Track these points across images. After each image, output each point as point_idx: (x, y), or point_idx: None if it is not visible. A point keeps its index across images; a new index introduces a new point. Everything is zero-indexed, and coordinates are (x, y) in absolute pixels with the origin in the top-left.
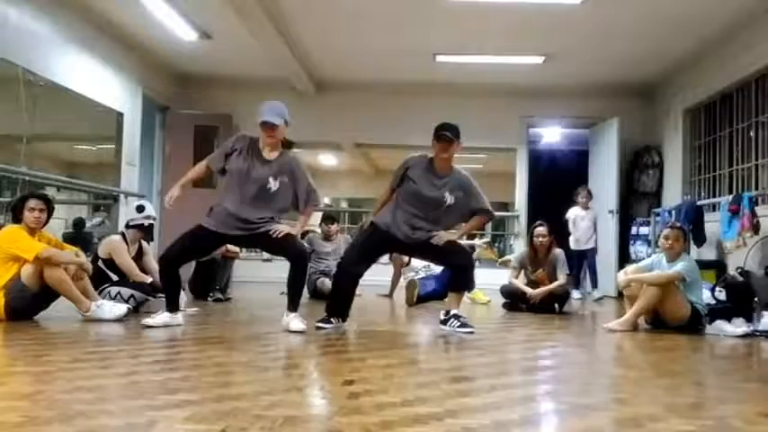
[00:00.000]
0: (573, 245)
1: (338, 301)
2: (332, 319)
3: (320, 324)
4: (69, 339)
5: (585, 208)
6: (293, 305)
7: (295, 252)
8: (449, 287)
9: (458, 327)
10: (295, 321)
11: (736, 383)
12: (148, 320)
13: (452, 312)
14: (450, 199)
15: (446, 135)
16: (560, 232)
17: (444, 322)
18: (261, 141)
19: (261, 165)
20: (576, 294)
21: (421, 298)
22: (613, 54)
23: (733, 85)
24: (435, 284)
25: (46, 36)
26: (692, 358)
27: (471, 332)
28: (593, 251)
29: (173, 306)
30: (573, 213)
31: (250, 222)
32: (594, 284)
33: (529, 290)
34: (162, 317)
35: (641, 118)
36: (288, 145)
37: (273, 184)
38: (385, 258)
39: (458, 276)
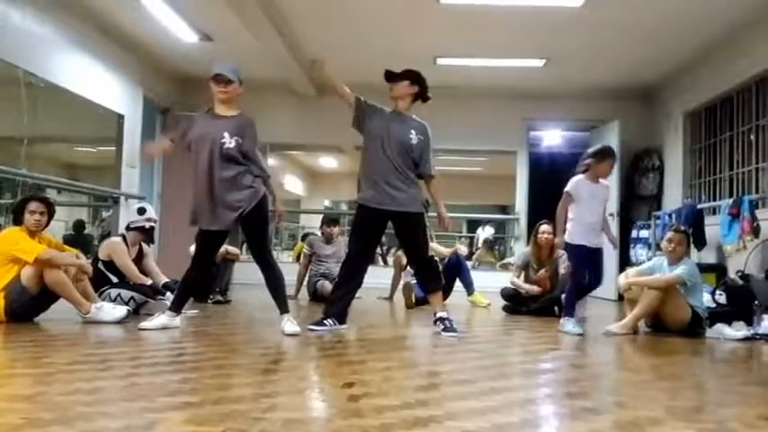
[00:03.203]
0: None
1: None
2: (326, 321)
3: (313, 327)
4: (69, 341)
5: (596, 180)
6: (283, 307)
7: (254, 255)
8: (425, 291)
9: (442, 330)
10: (288, 324)
11: (737, 387)
12: (145, 324)
13: (438, 315)
14: (415, 139)
15: (389, 74)
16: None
17: (434, 323)
18: (215, 101)
19: (215, 122)
20: (569, 326)
21: (419, 300)
22: (614, 57)
23: (733, 88)
24: (420, 284)
25: (47, 38)
26: (692, 361)
27: (455, 336)
28: (600, 254)
29: (178, 308)
30: (576, 185)
31: (224, 202)
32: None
33: (526, 286)
34: (159, 319)
35: (641, 121)
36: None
37: (229, 141)
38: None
39: (422, 277)
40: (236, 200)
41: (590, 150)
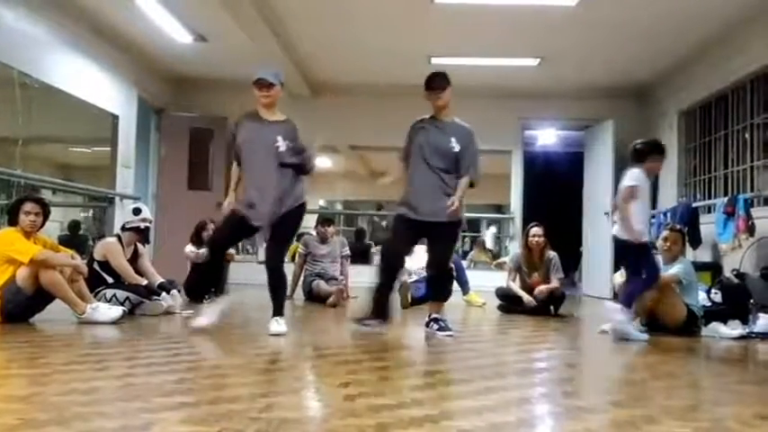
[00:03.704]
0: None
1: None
2: (370, 321)
3: (363, 322)
4: (65, 342)
5: (649, 174)
6: (278, 310)
7: (269, 258)
8: (430, 295)
9: (437, 330)
10: (274, 324)
11: (733, 385)
12: (195, 323)
13: (432, 316)
14: (457, 147)
15: (433, 83)
16: (556, 235)
17: (427, 325)
18: (257, 105)
19: (264, 127)
20: (633, 331)
21: (415, 300)
22: (608, 56)
23: (728, 86)
24: (428, 287)
25: (41, 38)
26: (687, 360)
27: (450, 335)
28: (646, 251)
29: (198, 299)
30: (639, 178)
31: (272, 201)
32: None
33: (526, 296)
34: (206, 316)
35: (636, 120)
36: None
37: (282, 144)
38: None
39: (433, 285)
40: (282, 200)
41: (647, 142)
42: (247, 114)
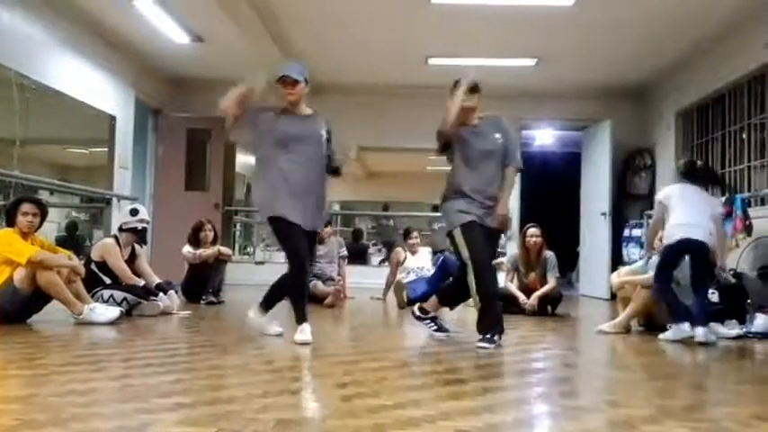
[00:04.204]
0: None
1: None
2: (495, 338)
3: (484, 345)
4: (62, 342)
5: (705, 182)
6: (264, 306)
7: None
8: (440, 294)
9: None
10: (271, 326)
11: (730, 385)
12: (299, 337)
13: (430, 315)
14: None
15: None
16: (553, 235)
17: (420, 319)
18: (285, 102)
19: (307, 122)
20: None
21: (411, 300)
22: (605, 56)
23: (725, 86)
24: (426, 287)
25: (39, 39)
26: (685, 360)
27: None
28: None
29: (301, 318)
30: (666, 192)
31: (312, 202)
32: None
33: (523, 297)
34: (305, 334)
35: (634, 120)
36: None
37: (325, 137)
38: (376, 260)
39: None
40: (324, 208)
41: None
42: (283, 109)
